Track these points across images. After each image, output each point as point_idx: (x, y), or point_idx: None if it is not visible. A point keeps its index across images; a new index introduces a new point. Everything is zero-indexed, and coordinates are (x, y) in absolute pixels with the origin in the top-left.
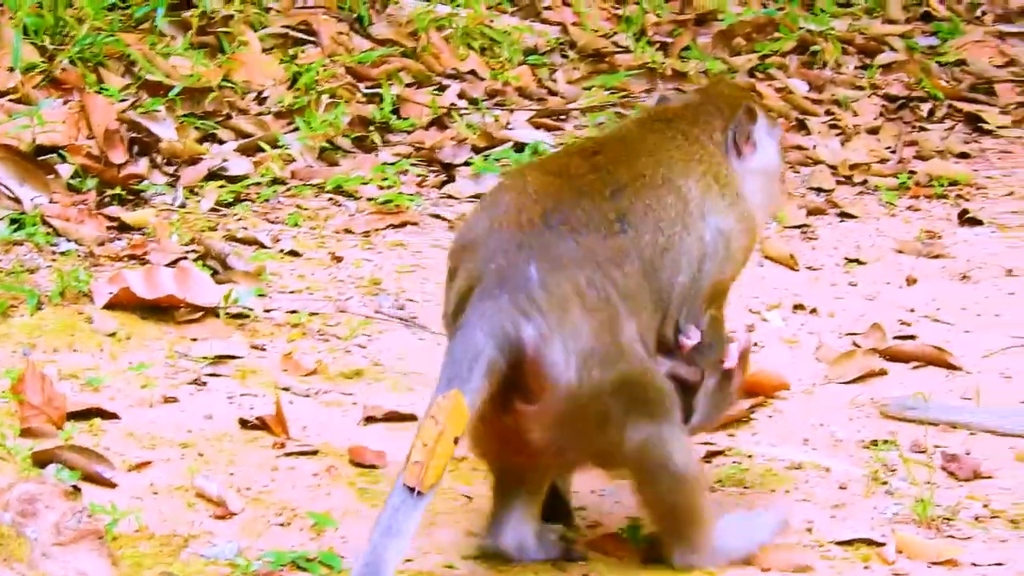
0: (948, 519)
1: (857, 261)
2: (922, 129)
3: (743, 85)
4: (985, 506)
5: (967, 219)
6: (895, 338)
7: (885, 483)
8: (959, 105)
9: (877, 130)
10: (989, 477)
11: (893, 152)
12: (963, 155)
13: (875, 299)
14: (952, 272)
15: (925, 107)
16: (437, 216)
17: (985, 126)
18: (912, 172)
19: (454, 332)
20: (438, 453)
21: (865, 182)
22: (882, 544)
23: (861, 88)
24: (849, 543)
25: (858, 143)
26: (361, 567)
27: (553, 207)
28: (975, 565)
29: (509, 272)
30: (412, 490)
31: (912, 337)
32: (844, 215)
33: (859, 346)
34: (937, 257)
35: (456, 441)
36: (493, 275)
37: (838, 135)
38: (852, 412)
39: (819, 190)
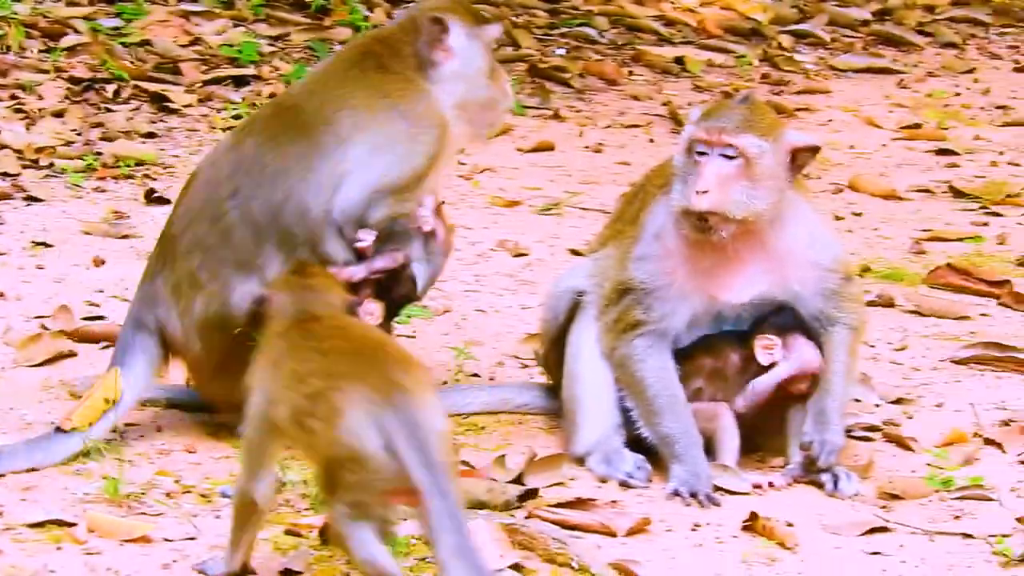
0: (140, 496)
1: (44, 244)
2: (108, 111)
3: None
4: (176, 481)
5: (154, 198)
6: (83, 319)
7: (78, 464)
8: (144, 86)
9: (63, 113)
10: (192, 452)
11: (79, 134)
12: (150, 135)
13: (63, 281)
14: (139, 251)
15: (110, 88)
16: None
17: (171, 105)
18: (99, 153)
19: None
20: (86, 405)
21: (52, 165)
22: (74, 524)
23: (46, 71)
24: (41, 525)
25: (44, 126)
26: None
27: (182, 221)
28: (168, 540)
29: (149, 282)
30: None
31: (101, 318)
32: (31, 199)
33: (47, 328)
34: (125, 237)
35: (108, 401)
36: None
37: (23, 119)
38: (42, 395)
39: (4, 175)
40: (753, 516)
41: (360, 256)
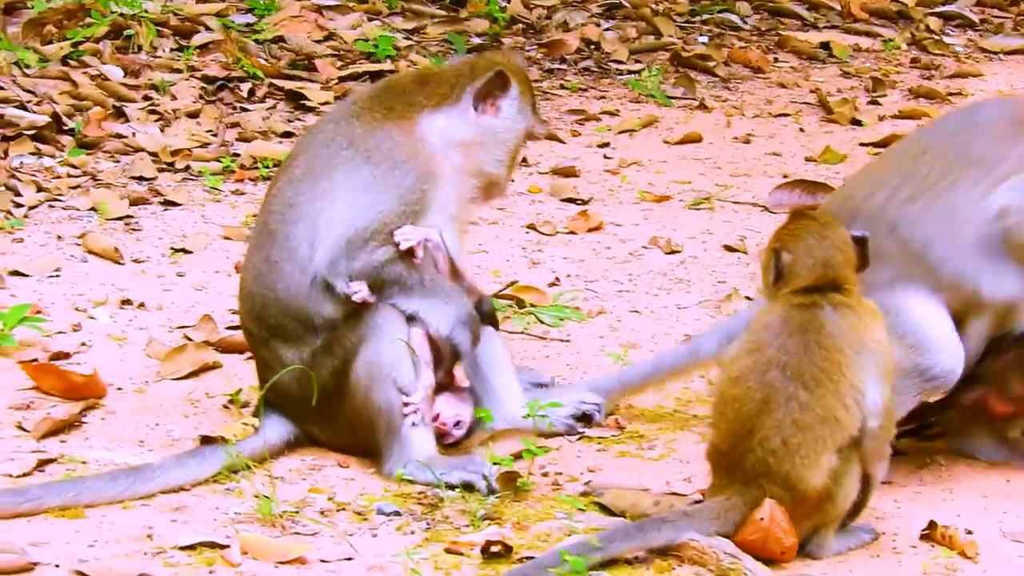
0: (293, 515)
1: (184, 250)
2: (243, 110)
3: (517, 62)
4: (330, 499)
5: None
6: (227, 328)
7: (227, 483)
8: (280, 83)
9: (197, 113)
10: (345, 467)
11: (215, 135)
12: (287, 134)
13: (205, 289)
14: None
15: (245, 87)
16: None
17: (307, 103)
18: (236, 155)
19: None
20: None
21: (188, 168)
22: (226, 546)
23: (179, 71)
24: (192, 547)
25: (178, 128)
26: None
27: None
28: (324, 561)
29: None
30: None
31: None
32: (168, 203)
33: (191, 339)
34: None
35: None
36: None
37: (157, 121)
38: (188, 408)
39: (141, 179)
40: (932, 525)
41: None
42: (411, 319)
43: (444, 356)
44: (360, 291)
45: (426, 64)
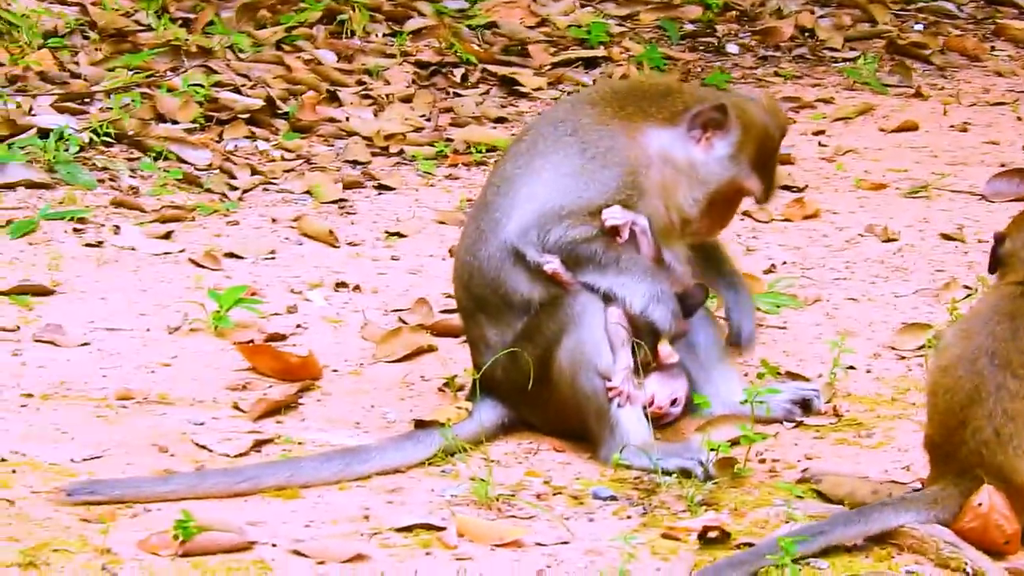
0: (509, 498)
1: (398, 234)
2: (456, 95)
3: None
4: (546, 483)
5: None
6: (442, 312)
7: (442, 465)
8: (493, 69)
9: (411, 98)
10: (561, 451)
11: (428, 120)
12: (500, 119)
13: (419, 273)
14: None
15: (458, 72)
16: None
17: (520, 89)
18: (449, 140)
19: None
20: None
21: (401, 152)
22: (442, 528)
23: (391, 56)
24: (409, 529)
25: (392, 112)
26: None
27: None
28: (540, 545)
29: None
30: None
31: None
32: (382, 187)
33: (405, 322)
34: None
35: None
36: None
37: (371, 105)
38: (403, 391)
39: (355, 163)
40: None
41: (554, 280)
42: (607, 298)
43: (643, 335)
44: (551, 262)
45: (640, 50)
